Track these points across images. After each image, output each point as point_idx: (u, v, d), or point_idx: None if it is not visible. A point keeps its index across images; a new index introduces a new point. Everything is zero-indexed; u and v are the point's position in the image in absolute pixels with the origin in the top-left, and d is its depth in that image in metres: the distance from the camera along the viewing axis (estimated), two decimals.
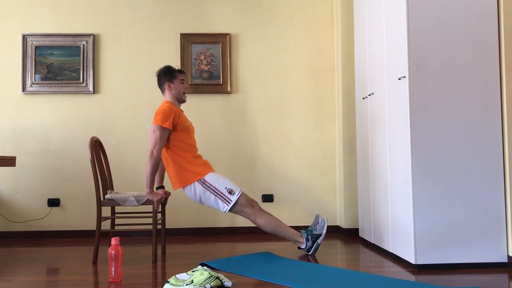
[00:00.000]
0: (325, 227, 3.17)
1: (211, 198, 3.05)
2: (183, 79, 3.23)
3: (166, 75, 3.21)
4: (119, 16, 4.22)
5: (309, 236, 3.14)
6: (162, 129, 3.00)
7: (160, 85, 3.23)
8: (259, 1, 4.29)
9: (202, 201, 3.10)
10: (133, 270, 2.76)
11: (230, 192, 3.05)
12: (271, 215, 3.18)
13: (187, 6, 4.25)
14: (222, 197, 3.04)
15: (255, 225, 3.86)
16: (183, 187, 3.10)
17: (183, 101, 3.25)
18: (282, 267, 2.76)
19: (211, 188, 3.04)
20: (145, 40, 4.22)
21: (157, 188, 3.28)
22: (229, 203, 3.03)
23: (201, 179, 3.05)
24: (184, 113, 3.42)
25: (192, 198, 3.13)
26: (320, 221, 3.19)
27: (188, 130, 3.14)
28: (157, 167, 2.99)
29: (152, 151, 2.97)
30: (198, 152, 3.25)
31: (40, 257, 3.21)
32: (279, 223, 3.14)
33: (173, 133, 3.07)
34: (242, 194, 3.09)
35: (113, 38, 4.21)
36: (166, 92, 3.20)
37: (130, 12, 4.23)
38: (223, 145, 4.17)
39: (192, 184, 3.06)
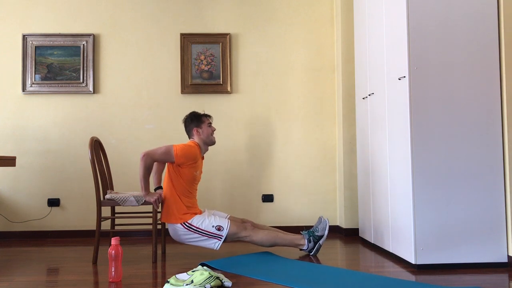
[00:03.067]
0: (327, 228, 3.16)
1: (200, 239, 3.00)
2: (210, 123, 3.21)
3: (193, 121, 3.18)
4: (119, 16, 4.22)
5: (311, 237, 3.14)
6: (170, 156, 2.96)
7: (188, 131, 3.20)
8: (259, 1, 4.29)
9: (187, 242, 3.04)
10: (133, 270, 2.76)
11: (219, 228, 3.01)
12: (266, 228, 3.17)
13: (187, 6, 4.25)
14: (212, 235, 3.00)
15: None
16: (168, 223, 3.06)
17: (213, 143, 3.21)
18: (282, 267, 2.76)
19: (198, 231, 2.99)
20: (145, 40, 4.22)
21: (155, 189, 3.27)
22: (221, 239, 3.01)
23: (186, 223, 3.00)
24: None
25: (174, 238, 3.07)
26: (322, 222, 3.19)
27: (193, 179, 3.08)
28: (149, 170, 2.96)
29: (145, 153, 2.92)
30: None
31: (40, 257, 3.21)
32: (276, 233, 3.13)
33: (179, 167, 3.02)
34: (231, 224, 3.03)
35: (113, 38, 4.21)
36: (195, 137, 3.17)
37: (130, 12, 4.23)
38: (223, 145, 4.17)
39: (175, 224, 3.01)
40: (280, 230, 3.20)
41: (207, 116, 3.23)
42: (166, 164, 3.12)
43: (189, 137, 3.22)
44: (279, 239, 3.11)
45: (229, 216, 3.18)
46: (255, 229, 3.11)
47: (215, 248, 3.03)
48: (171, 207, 3.03)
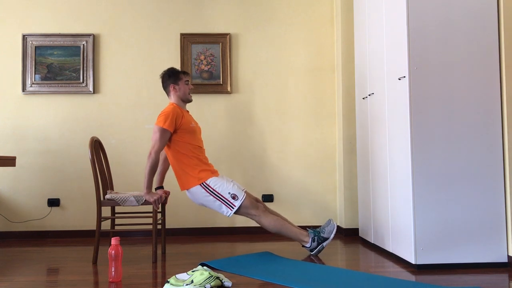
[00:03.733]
0: (334, 233, 3.15)
1: (215, 203, 3.05)
2: (187, 80, 3.24)
3: (170, 77, 3.21)
4: (119, 16, 4.22)
5: (316, 237, 3.13)
6: (163, 131, 3.00)
7: (165, 87, 3.24)
8: (259, 1, 4.29)
9: (204, 204, 3.10)
10: (133, 270, 2.76)
11: (234, 197, 3.04)
12: (276, 215, 3.18)
13: (187, 6, 4.25)
14: (226, 202, 3.03)
15: (255, 225, 3.88)
16: (186, 190, 3.10)
17: (189, 100, 3.26)
18: (282, 267, 2.76)
19: (214, 193, 3.03)
20: (145, 40, 4.22)
21: (156, 189, 3.28)
22: (233, 208, 3.03)
23: (204, 183, 3.04)
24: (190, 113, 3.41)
25: (193, 201, 3.14)
26: (330, 225, 3.18)
27: (193, 131, 3.13)
28: (155, 168, 2.99)
29: (150, 152, 2.98)
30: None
31: (40, 257, 3.21)
32: (284, 223, 3.13)
33: (176, 135, 3.06)
34: (246, 197, 3.07)
35: (113, 38, 4.21)
36: (172, 94, 3.21)
37: (130, 12, 4.23)
38: (223, 145, 4.17)
39: (194, 187, 3.06)
40: (288, 221, 3.19)
41: (185, 73, 3.26)
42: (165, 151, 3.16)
43: (167, 94, 3.25)
44: (285, 228, 3.11)
45: (245, 190, 3.18)
46: (266, 212, 3.13)
47: (227, 215, 3.05)
48: (185, 171, 3.06)
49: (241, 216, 3.18)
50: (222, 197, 3.03)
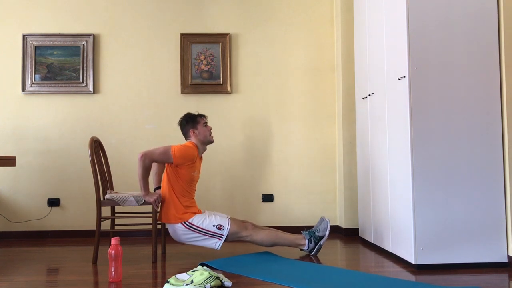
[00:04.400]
0: (328, 229, 3.16)
1: (201, 238, 3.00)
2: (205, 122, 3.20)
3: (188, 123, 3.16)
4: (119, 16, 4.22)
5: (312, 238, 3.14)
6: (169, 156, 2.95)
7: (185, 133, 3.19)
8: (259, 1, 4.29)
9: (187, 242, 3.04)
10: (133, 270, 2.76)
11: (220, 228, 3.01)
12: (267, 228, 3.17)
13: (187, 6, 4.25)
14: (213, 235, 3.01)
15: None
16: (167, 223, 3.07)
17: (211, 142, 3.20)
18: (282, 267, 2.76)
19: (199, 230, 2.99)
20: (145, 40, 4.22)
21: (155, 189, 3.27)
22: (222, 238, 3.01)
23: (186, 222, 3.00)
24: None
25: (174, 238, 3.07)
26: (323, 223, 3.18)
27: (191, 180, 3.08)
28: (148, 171, 2.96)
29: (145, 155, 2.92)
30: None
31: (40, 257, 3.21)
32: (277, 233, 3.13)
33: (177, 168, 3.02)
34: (232, 224, 3.04)
35: (113, 38, 4.21)
36: (192, 138, 3.16)
37: (130, 12, 4.23)
38: (223, 145, 4.17)
39: (175, 224, 3.01)
40: (280, 231, 3.20)
41: (202, 116, 3.22)
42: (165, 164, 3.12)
43: (186, 139, 3.21)
44: (279, 238, 3.12)
45: (229, 217, 3.17)
46: (256, 228, 3.11)
47: (216, 248, 3.03)
48: (170, 207, 3.03)
49: (235, 241, 3.14)
50: (208, 232, 3.00)
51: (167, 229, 3.18)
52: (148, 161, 2.93)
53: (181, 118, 3.23)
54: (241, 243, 3.54)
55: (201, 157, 3.21)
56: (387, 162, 3.06)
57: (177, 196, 3.03)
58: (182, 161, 2.99)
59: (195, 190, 3.17)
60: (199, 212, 3.10)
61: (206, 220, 3.02)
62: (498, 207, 2.72)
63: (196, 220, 3.01)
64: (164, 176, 3.11)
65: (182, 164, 3.00)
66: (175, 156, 2.96)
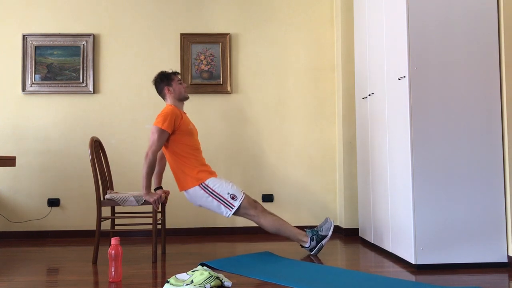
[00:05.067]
0: (331, 229, 3.16)
1: (213, 203, 3.05)
2: (180, 80, 3.25)
3: (163, 80, 3.22)
4: (119, 16, 4.22)
5: (314, 236, 3.14)
6: (161, 131, 3.00)
7: (160, 92, 3.24)
8: (259, 1, 4.29)
9: (203, 205, 3.10)
10: (133, 270, 2.76)
11: (233, 197, 3.04)
12: (275, 215, 3.18)
13: (187, 6, 4.25)
14: (225, 202, 3.03)
15: (255, 225, 3.88)
16: (184, 191, 3.10)
17: (186, 98, 3.27)
18: (282, 267, 2.76)
19: (213, 194, 3.03)
20: (145, 40, 4.22)
21: (155, 189, 3.28)
22: (232, 209, 3.03)
23: (202, 184, 3.05)
24: (187, 114, 3.41)
25: (192, 202, 3.13)
26: (327, 223, 3.18)
27: (191, 133, 3.14)
28: (152, 168, 2.99)
29: (147, 152, 2.98)
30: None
31: (40, 257, 3.21)
32: (283, 223, 3.14)
33: (174, 136, 3.06)
34: (245, 198, 3.08)
35: (113, 38, 4.21)
36: (167, 96, 3.21)
37: (130, 12, 4.23)
38: (223, 145, 4.17)
39: (193, 188, 3.06)
40: (286, 222, 3.20)
41: (176, 73, 3.28)
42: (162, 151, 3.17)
43: (163, 98, 3.26)
44: (284, 228, 3.12)
45: (244, 191, 3.18)
46: (265, 212, 3.13)
47: (226, 216, 3.06)
48: (183, 172, 3.07)
49: (240, 216, 3.17)
50: (221, 198, 3.03)
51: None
52: (151, 155, 2.96)
53: (155, 76, 3.29)
54: (241, 243, 3.55)
55: (184, 113, 3.24)
56: (387, 162, 3.06)
57: (186, 157, 3.07)
58: (173, 123, 3.03)
59: (199, 145, 3.22)
60: (215, 174, 3.14)
61: (222, 185, 3.06)
62: (498, 207, 2.72)
63: (212, 182, 3.05)
64: (166, 154, 3.13)
65: (175, 126, 3.04)
66: (165, 126, 2.99)
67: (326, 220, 3.20)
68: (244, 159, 4.20)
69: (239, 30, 4.27)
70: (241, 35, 4.27)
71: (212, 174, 3.13)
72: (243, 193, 3.11)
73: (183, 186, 3.09)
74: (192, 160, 3.08)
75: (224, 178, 3.18)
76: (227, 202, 3.03)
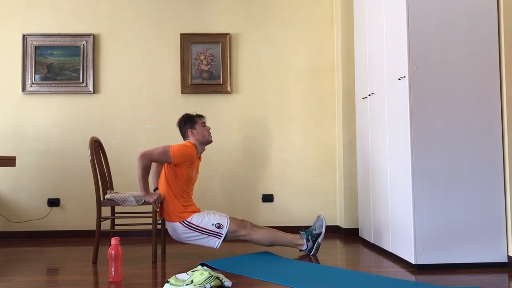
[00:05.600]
0: (324, 225, 3.16)
1: (200, 237, 3.01)
2: (204, 122, 3.20)
3: (186, 123, 3.17)
4: (119, 16, 4.22)
5: (309, 237, 3.14)
6: (167, 156, 2.95)
7: (183, 134, 3.20)
8: (259, 1, 4.29)
9: (186, 241, 3.05)
10: (133, 270, 2.76)
11: (219, 226, 3.01)
12: (265, 227, 3.17)
13: (187, 6, 4.25)
14: (212, 233, 3.01)
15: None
16: (167, 222, 3.07)
17: (210, 141, 3.20)
18: (282, 267, 2.76)
19: (198, 229, 3.00)
20: (145, 40, 4.22)
21: (155, 190, 3.27)
22: (220, 237, 3.01)
23: (185, 221, 3.00)
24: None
25: (176, 238, 3.07)
26: (318, 220, 3.19)
27: (189, 179, 3.08)
28: (147, 170, 2.96)
29: (143, 154, 2.92)
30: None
31: (40, 257, 3.21)
32: (275, 233, 3.13)
33: (175, 167, 3.02)
34: (230, 222, 3.04)
35: (113, 38, 4.21)
36: (190, 138, 3.16)
37: (130, 12, 4.23)
38: (223, 145, 4.17)
39: (175, 223, 3.02)
40: (278, 230, 3.20)
41: (200, 116, 3.23)
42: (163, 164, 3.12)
43: (184, 139, 3.21)
44: (278, 238, 3.12)
45: (228, 216, 3.17)
46: (255, 227, 3.11)
47: (215, 247, 3.03)
48: (168, 206, 3.03)
49: (234, 239, 3.14)
50: (207, 230, 3.00)
51: (167, 229, 3.18)
52: (147, 160, 2.93)
53: (179, 119, 3.24)
54: (241, 243, 3.55)
55: (199, 157, 3.21)
56: (387, 162, 3.06)
57: (175, 195, 3.03)
58: (181, 161, 2.99)
59: (192, 190, 3.17)
60: (198, 210, 3.10)
61: (205, 219, 3.02)
62: (498, 207, 2.72)
63: (195, 219, 3.02)
64: (162, 176, 3.10)
65: (181, 163, 3.00)
66: (174, 156, 2.96)
67: (318, 218, 3.21)
68: (244, 159, 4.20)
69: (239, 30, 4.27)
70: (241, 35, 4.27)
71: (194, 211, 3.07)
72: (227, 218, 3.07)
73: (167, 217, 3.06)
74: (179, 199, 3.03)
75: (207, 210, 3.14)
76: (214, 233, 3.01)
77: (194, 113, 3.25)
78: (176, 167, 3.01)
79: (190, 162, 3.03)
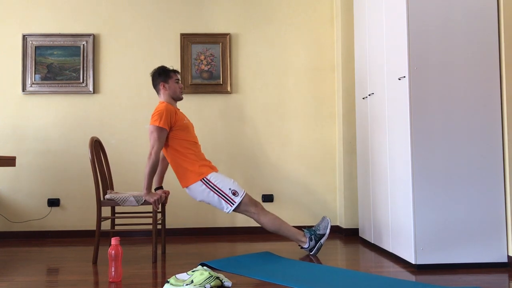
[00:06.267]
0: (329, 227, 3.16)
1: (214, 198, 3.05)
2: (178, 79, 3.24)
3: (160, 75, 3.21)
4: (119, 16, 4.22)
5: (313, 236, 3.14)
6: (160, 129, 3.00)
7: (155, 86, 3.23)
8: (259, 1, 4.29)
9: (204, 200, 3.10)
10: (133, 270, 2.76)
11: (234, 193, 3.04)
12: (274, 214, 3.19)
13: (187, 6, 4.25)
14: (226, 198, 3.03)
15: (255, 225, 3.88)
16: (186, 187, 3.10)
17: (180, 98, 3.25)
18: (282, 267, 2.76)
19: (214, 189, 3.03)
20: (145, 40, 4.22)
21: (156, 189, 3.28)
22: (233, 204, 3.03)
23: (204, 179, 3.04)
24: (184, 113, 3.41)
25: (193, 197, 3.13)
26: (324, 221, 3.19)
27: (187, 127, 3.13)
28: (155, 168, 2.98)
29: (150, 153, 2.97)
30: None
31: (40, 257, 3.21)
32: (282, 222, 3.14)
33: (171, 132, 3.06)
34: (246, 195, 3.08)
35: (113, 38, 4.21)
36: (161, 92, 3.20)
37: (130, 12, 4.23)
38: (223, 145, 4.17)
39: (195, 183, 3.06)
40: (285, 222, 3.20)
41: (175, 71, 3.26)
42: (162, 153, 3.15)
43: (157, 92, 3.24)
44: (284, 227, 3.13)
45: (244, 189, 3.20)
46: (265, 210, 3.14)
47: (226, 211, 3.05)
48: (184, 167, 3.06)
49: (241, 214, 3.17)
50: (222, 193, 3.03)
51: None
52: (154, 155, 2.96)
53: (154, 69, 3.27)
54: (241, 243, 3.55)
55: (178, 109, 3.23)
56: (387, 162, 3.06)
57: (186, 153, 3.07)
58: (169, 120, 3.02)
59: (197, 139, 3.22)
60: (215, 169, 3.14)
61: (224, 181, 3.06)
62: (498, 207, 2.72)
63: (214, 177, 3.05)
64: (165, 153, 3.13)
65: (173, 123, 3.04)
66: (162, 124, 2.98)
67: (323, 218, 3.21)
68: (244, 159, 4.20)
69: (239, 30, 4.27)
70: (241, 35, 4.27)
71: (213, 168, 3.14)
72: (244, 190, 3.11)
73: (185, 183, 3.09)
74: (191, 155, 3.08)
75: (226, 174, 3.17)
76: (228, 198, 3.03)
77: (171, 67, 3.29)
78: (172, 131, 3.05)
79: (174, 115, 3.05)
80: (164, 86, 3.19)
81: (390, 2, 3.01)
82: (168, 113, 3.04)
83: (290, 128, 4.24)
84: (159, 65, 4.15)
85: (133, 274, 2.65)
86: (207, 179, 3.04)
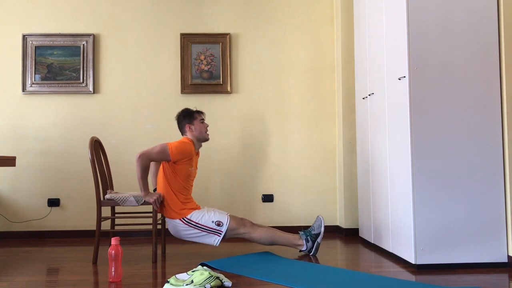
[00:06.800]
0: (323, 225, 3.17)
1: (200, 234, 3.01)
2: (202, 119, 3.20)
3: (185, 117, 3.18)
4: (119, 16, 4.22)
5: (308, 237, 3.14)
6: (166, 155, 2.96)
7: (181, 128, 3.20)
8: (259, 1, 4.29)
9: (186, 238, 3.05)
10: (133, 270, 2.76)
11: (219, 224, 3.01)
12: (265, 226, 3.17)
13: (187, 6, 4.25)
14: (212, 231, 3.01)
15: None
16: (167, 219, 3.08)
17: (206, 139, 3.20)
18: (282, 267, 2.76)
19: (198, 226, 3.00)
20: (145, 40, 4.22)
21: (154, 190, 3.27)
22: (220, 234, 3.01)
23: (185, 218, 3.00)
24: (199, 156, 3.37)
25: (173, 234, 3.08)
26: (317, 220, 3.19)
27: (188, 175, 3.08)
28: (147, 170, 2.96)
29: (141, 154, 2.92)
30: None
31: (40, 257, 3.21)
32: (275, 232, 3.13)
33: (174, 165, 3.02)
34: (230, 220, 3.04)
35: (113, 38, 4.21)
36: (188, 134, 3.17)
37: (130, 12, 4.23)
38: (223, 145, 4.17)
39: (175, 220, 3.02)
40: (278, 230, 3.20)
41: (199, 112, 3.23)
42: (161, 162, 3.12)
43: (182, 134, 3.22)
44: (277, 237, 3.12)
45: (228, 213, 3.17)
46: (254, 226, 3.11)
47: (215, 244, 3.03)
48: (168, 204, 3.04)
49: (233, 237, 3.14)
50: (207, 228, 3.00)
51: (167, 229, 3.18)
52: (146, 160, 2.94)
53: (179, 112, 3.25)
54: (241, 243, 3.55)
55: (197, 153, 3.22)
56: (387, 162, 3.06)
57: (174, 192, 3.03)
58: (180, 157, 2.99)
59: (192, 186, 3.17)
60: (198, 207, 3.10)
61: (205, 216, 3.02)
62: (498, 207, 2.72)
63: (195, 216, 3.01)
64: (160, 173, 3.10)
65: (180, 160, 3.00)
66: (172, 153, 2.96)
67: (317, 218, 3.21)
68: (244, 159, 4.20)
69: (239, 30, 4.27)
70: (241, 35, 4.27)
71: (194, 208, 3.08)
72: (227, 216, 3.06)
73: (167, 214, 3.06)
74: (179, 196, 3.03)
75: (207, 208, 3.14)
76: (214, 230, 3.00)
77: (194, 109, 3.26)
78: (175, 164, 3.01)
79: (188, 159, 3.04)
80: (190, 127, 3.16)
81: (390, 2, 3.01)
82: (186, 153, 3.01)
83: (290, 128, 4.24)
84: (159, 65, 4.18)
85: (133, 274, 2.65)
86: (187, 218, 3.00)
